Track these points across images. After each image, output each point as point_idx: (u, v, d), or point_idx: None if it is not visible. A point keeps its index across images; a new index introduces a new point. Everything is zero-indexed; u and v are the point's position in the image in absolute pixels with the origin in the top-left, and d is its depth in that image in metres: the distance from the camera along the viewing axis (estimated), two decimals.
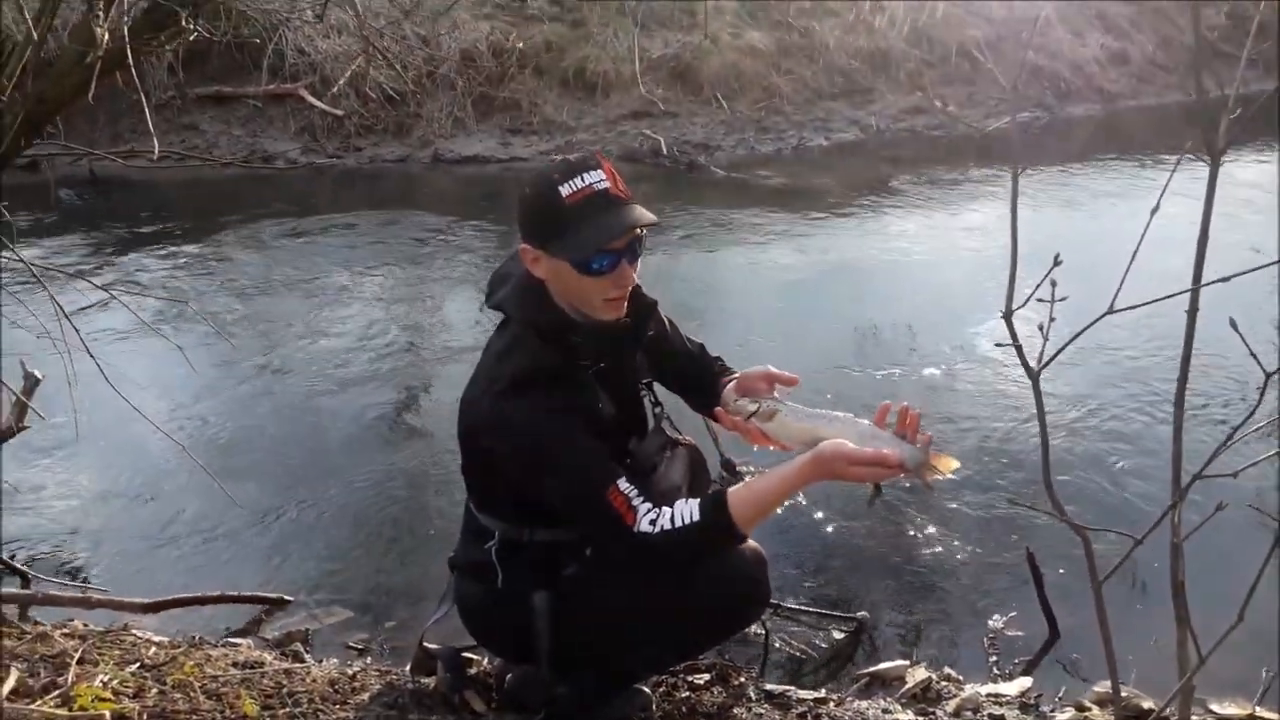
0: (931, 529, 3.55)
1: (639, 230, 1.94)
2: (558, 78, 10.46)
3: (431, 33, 9.91)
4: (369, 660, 2.85)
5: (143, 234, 7.34)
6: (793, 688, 2.59)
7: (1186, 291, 1.30)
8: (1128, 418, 4.36)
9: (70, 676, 2.26)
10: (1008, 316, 1.34)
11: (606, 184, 1.90)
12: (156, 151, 3.51)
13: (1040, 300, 1.26)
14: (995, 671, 2.84)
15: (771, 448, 2.09)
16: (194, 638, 2.85)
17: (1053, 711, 2.52)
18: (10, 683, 2.18)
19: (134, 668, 2.42)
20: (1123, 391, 4.60)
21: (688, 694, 2.46)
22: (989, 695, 2.57)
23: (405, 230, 7.55)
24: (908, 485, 3.74)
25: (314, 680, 2.49)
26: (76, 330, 3.20)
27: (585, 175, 1.89)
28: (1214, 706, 2.46)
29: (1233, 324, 1.34)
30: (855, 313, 5.68)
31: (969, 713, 2.49)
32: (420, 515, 3.73)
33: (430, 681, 2.41)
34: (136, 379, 4.26)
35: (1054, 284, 1.28)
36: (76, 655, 2.41)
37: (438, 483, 3.91)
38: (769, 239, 7.26)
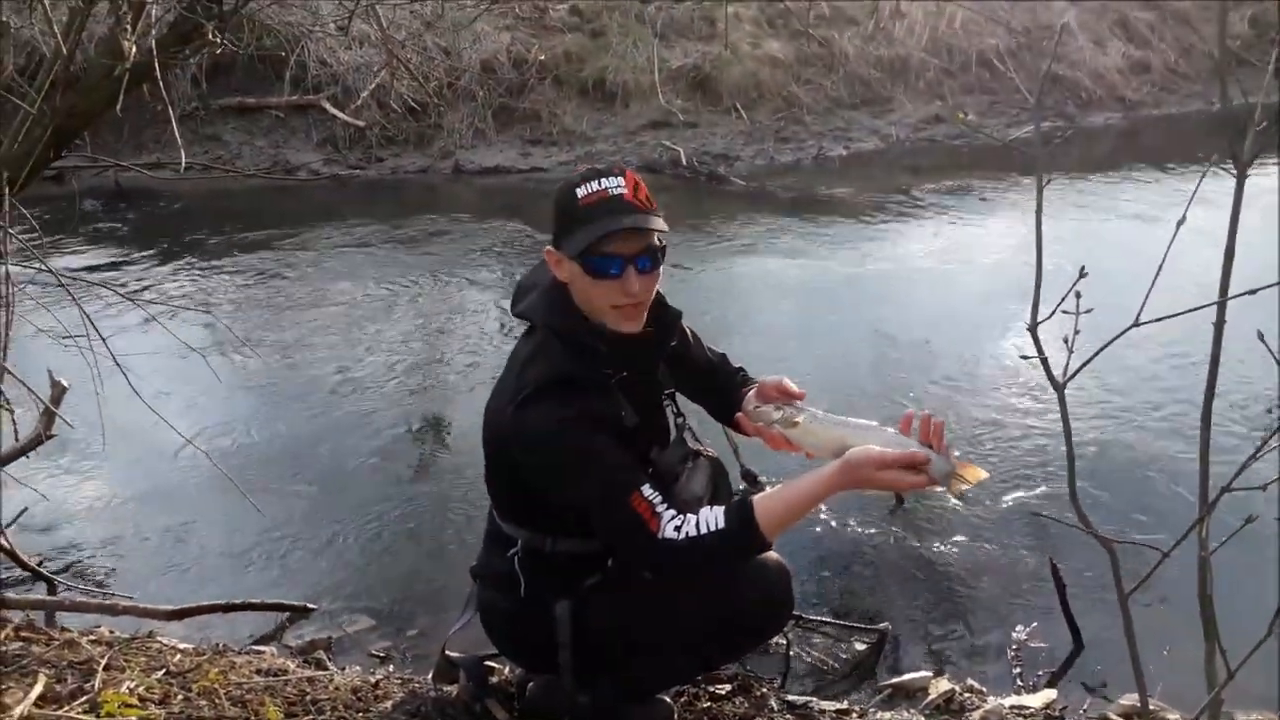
0: (954, 540, 3.54)
1: (656, 240, 1.95)
2: (577, 88, 10.50)
3: (453, 44, 9.97)
4: (391, 668, 2.85)
5: (167, 244, 7.40)
6: (815, 699, 2.58)
7: (1213, 304, 1.30)
8: (1153, 430, 4.33)
9: (97, 683, 2.27)
10: (1033, 329, 1.34)
11: (622, 190, 1.92)
12: (183, 163, 3.53)
13: (1065, 313, 1.26)
14: (1019, 683, 2.82)
15: (794, 453, 2.07)
16: (219, 645, 2.87)
17: None
18: (38, 689, 2.20)
19: (160, 674, 2.44)
20: (1148, 403, 4.57)
21: (709, 704, 2.46)
22: (1013, 707, 2.56)
23: (426, 240, 7.59)
24: (929, 496, 3.73)
25: (337, 688, 2.50)
26: (103, 339, 3.22)
27: (604, 180, 1.93)
28: (1241, 718, 2.44)
29: (1260, 337, 1.33)
30: (876, 323, 5.67)
31: None
32: (442, 524, 3.75)
33: (453, 690, 2.42)
34: (161, 388, 4.29)
35: (1079, 296, 1.28)
36: (103, 662, 2.42)
37: (460, 491, 3.92)
38: (789, 249, 7.25)
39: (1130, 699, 2.56)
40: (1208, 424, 1.36)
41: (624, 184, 1.93)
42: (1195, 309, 1.34)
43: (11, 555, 3.18)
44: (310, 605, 3.23)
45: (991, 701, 2.60)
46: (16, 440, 3.23)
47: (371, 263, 7.03)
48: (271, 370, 5.13)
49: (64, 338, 3.47)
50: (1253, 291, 1.29)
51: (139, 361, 4.67)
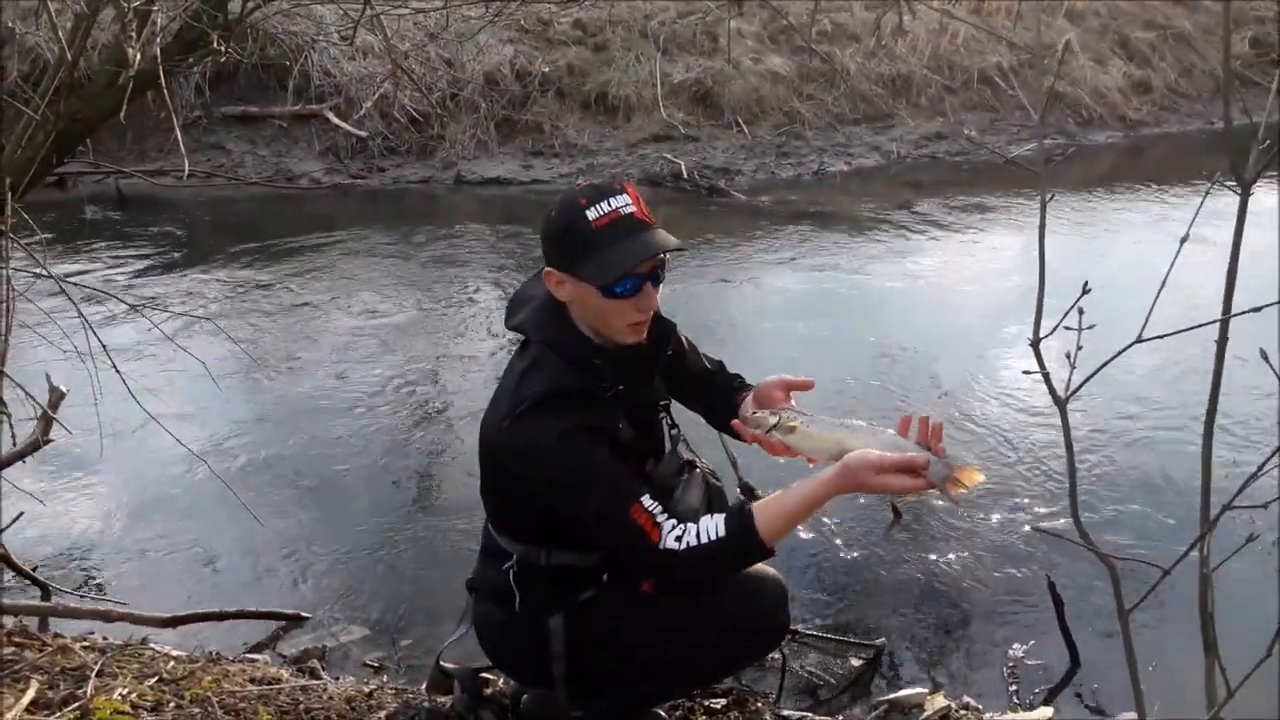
0: (952, 555, 3.53)
1: (663, 254, 1.95)
2: (579, 101, 10.53)
3: (456, 56, 10.00)
4: (385, 678, 2.84)
5: (168, 251, 7.41)
6: (810, 714, 2.57)
7: (1216, 322, 1.30)
8: (1155, 446, 4.32)
9: (89, 689, 2.27)
10: (1035, 344, 1.34)
11: (632, 208, 1.91)
12: (186, 170, 3.54)
13: (1068, 328, 1.25)
14: (1015, 700, 2.81)
15: (793, 458, 2.06)
16: (212, 653, 2.86)
17: None
18: (30, 694, 2.20)
19: (153, 681, 2.43)
20: (1150, 420, 4.57)
21: (704, 719, 2.45)
22: None
23: (427, 251, 7.60)
24: (929, 507, 3.73)
25: (331, 697, 2.49)
26: (103, 345, 3.22)
27: (611, 199, 1.90)
28: None
29: (1263, 355, 1.33)
30: (878, 338, 5.67)
31: None
32: (439, 534, 3.74)
33: (447, 701, 2.41)
34: (161, 395, 4.29)
35: (1081, 312, 1.28)
36: (96, 668, 2.42)
37: (456, 502, 3.91)
38: (789, 264, 7.26)
39: (1128, 717, 2.55)
40: (1209, 441, 1.35)
41: (630, 201, 1.92)
42: (1198, 326, 1.34)
43: (6, 560, 3.17)
44: (304, 614, 3.22)
45: (988, 718, 2.59)
46: (14, 445, 3.22)
47: (372, 273, 7.03)
48: (270, 379, 5.12)
49: (64, 344, 3.46)
50: (1257, 309, 1.28)
51: (138, 368, 4.69)
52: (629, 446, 2.00)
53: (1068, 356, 1.27)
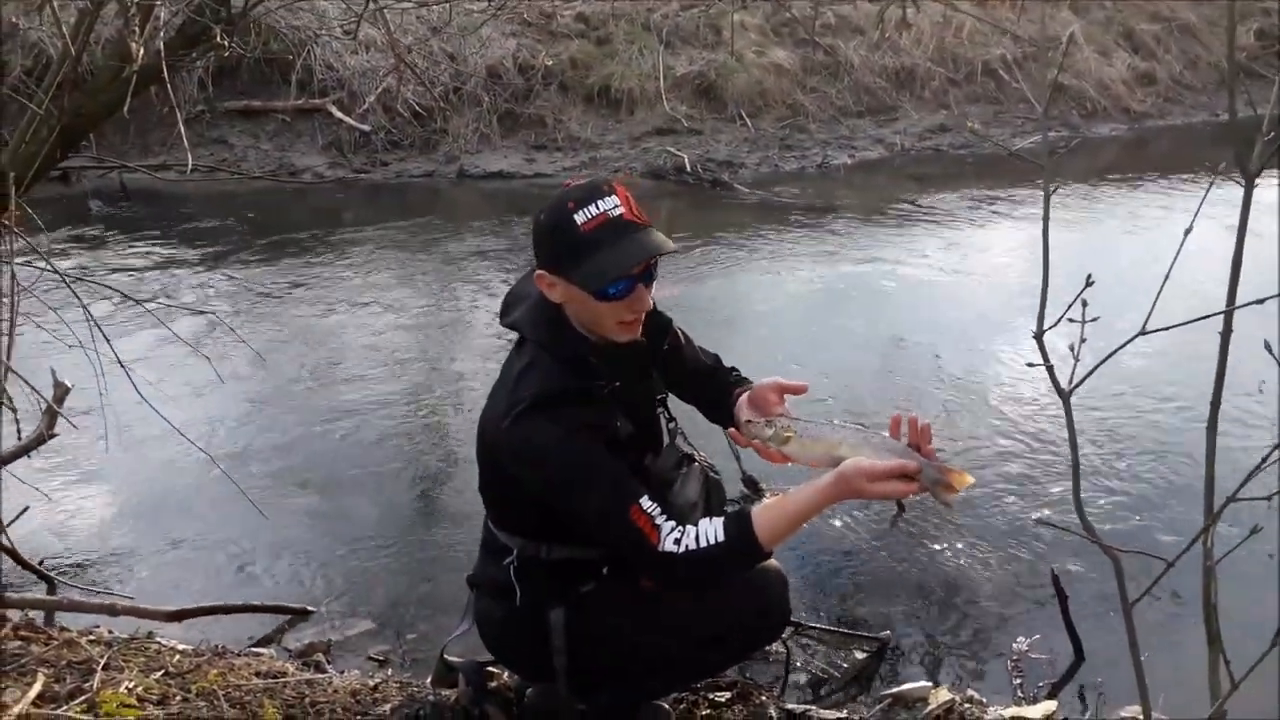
0: (956, 549, 3.53)
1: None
2: (582, 94, 10.52)
3: (459, 50, 9.99)
4: (390, 672, 2.85)
5: (172, 246, 7.42)
6: (814, 707, 2.57)
7: (1220, 314, 1.29)
8: (1159, 439, 4.32)
9: (96, 682, 2.28)
10: (1039, 337, 1.34)
11: (621, 210, 1.90)
12: (190, 165, 3.54)
13: (1071, 321, 1.25)
14: (1019, 694, 2.81)
15: (789, 465, 2.08)
16: (217, 646, 2.87)
17: None
18: (36, 688, 2.21)
19: (158, 675, 2.44)
20: (1154, 413, 4.57)
21: (708, 712, 2.46)
22: (1013, 718, 2.55)
23: (430, 245, 7.60)
24: (932, 503, 3.73)
25: (336, 691, 2.50)
26: (107, 340, 3.23)
27: (600, 202, 1.89)
28: None
29: (1267, 347, 1.33)
30: (881, 331, 5.67)
31: None
32: (442, 528, 3.75)
33: (451, 694, 2.42)
34: (165, 389, 4.30)
35: (1085, 304, 1.27)
36: (102, 662, 2.43)
37: (461, 497, 3.92)
38: (793, 257, 7.25)
39: (1132, 710, 2.55)
40: (1213, 433, 1.35)
41: (619, 202, 1.90)
42: (1202, 318, 1.33)
43: (12, 554, 3.19)
44: (309, 608, 3.23)
45: (991, 712, 2.59)
46: (19, 439, 3.23)
47: (375, 267, 7.04)
48: (274, 373, 5.13)
49: (68, 338, 3.46)
50: (1260, 301, 1.28)
51: (142, 363, 4.69)
52: (627, 442, 2.00)
53: (1071, 349, 1.27)
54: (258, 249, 7.37)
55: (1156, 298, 1.31)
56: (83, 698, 2.20)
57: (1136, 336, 1.32)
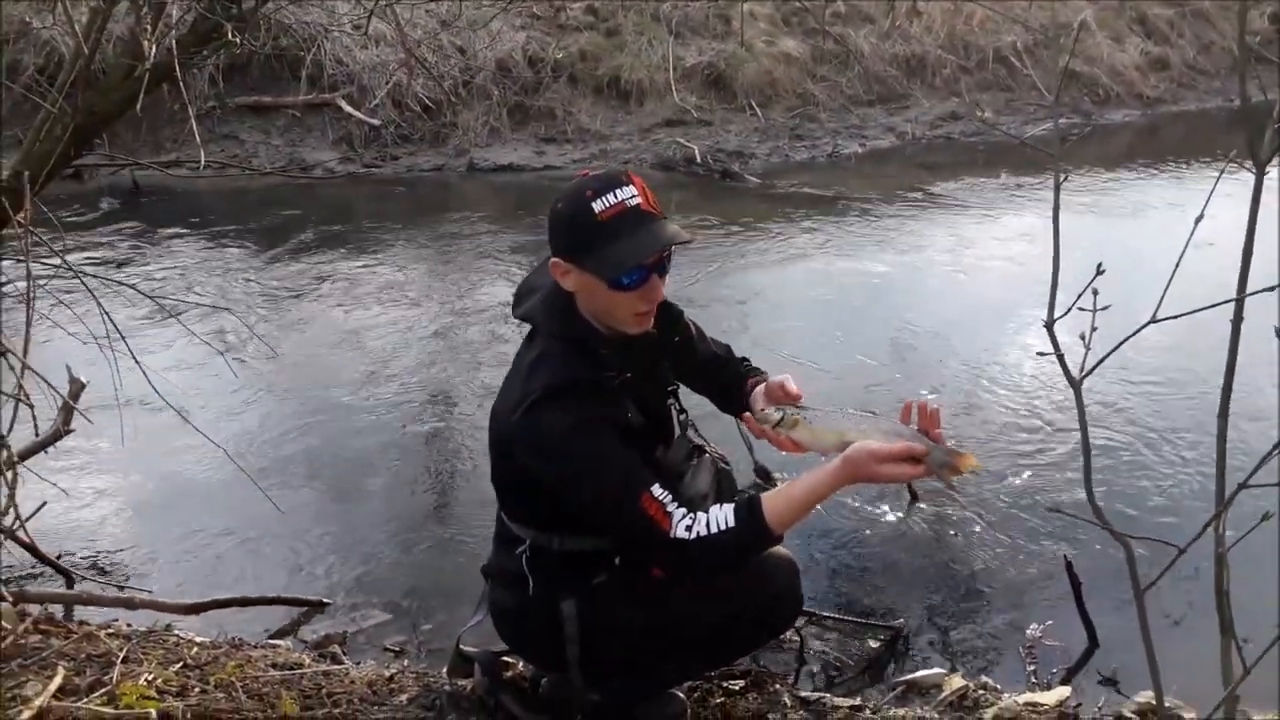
0: (969, 536, 3.53)
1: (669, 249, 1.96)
2: (592, 86, 10.51)
3: (469, 43, 9.99)
4: (406, 662, 2.87)
5: (184, 242, 7.45)
6: (828, 695, 2.58)
7: (1231, 301, 1.29)
8: (1170, 426, 4.31)
9: (115, 675, 2.30)
10: (1050, 326, 1.34)
11: (639, 200, 1.91)
12: (202, 162, 3.55)
13: (1082, 309, 1.26)
14: (1033, 680, 2.81)
15: (802, 453, 2.09)
16: (235, 639, 2.89)
17: None
18: (57, 681, 2.23)
19: (177, 667, 2.47)
20: (1165, 400, 4.55)
21: (722, 699, 2.46)
22: (1027, 704, 2.55)
23: (441, 238, 7.61)
24: (946, 491, 3.73)
25: (353, 682, 2.52)
26: (122, 336, 3.25)
27: (618, 191, 1.90)
28: (1258, 717, 2.42)
29: (1278, 333, 1.33)
30: (892, 320, 5.66)
31: None
32: (456, 519, 3.77)
33: (467, 684, 2.43)
34: (179, 385, 4.32)
35: (1095, 293, 1.28)
36: (121, 654, 2.45)
37: (473, 486, 3.94)
38: (804, 247, 7.24)
39: (1145, 696, 2.55)
40: (1225, 420, 1.35)
41: (637, 192, 1.92)
42: (1212, 305, 1.33)
43: (31, 549, 3.21)
44: (325, 600, 3.26)
45: (1005, 699, 2.59)
46: (36, 435, 3.26)
47: (386, 260, 7.05)
48: (288, 368, 5.15)
49: (83, 335, 3.49)
50: (1272, 288, 1.28)
51: (157, 359, 4.72)
52: (639, 433, 2.01)
53: (1082, 338, 1.27)
54: (270, 244, 7.40)
55: (1167, 286, 1.31)
56: (103, 690, 2.22)
57: (1147, 325, 1.32)
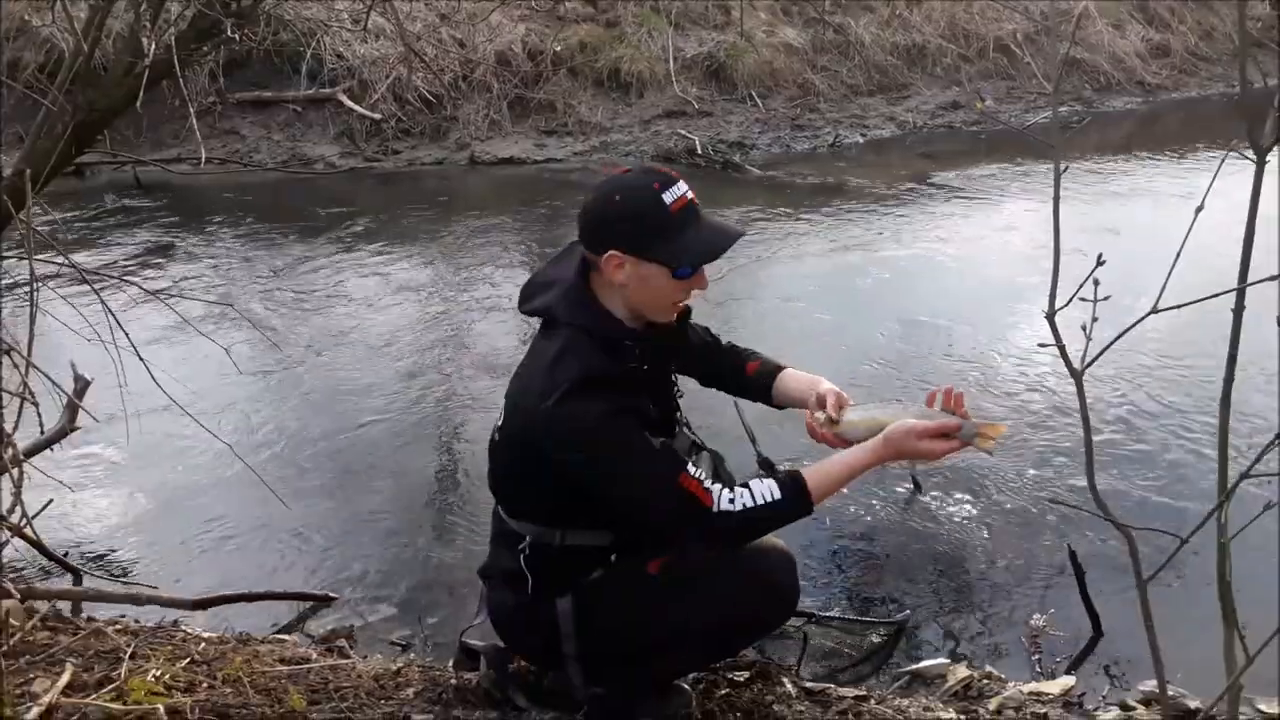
0: (972, 527, 3.54)
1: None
2: (592, 78, 10.49)
3: (468, 36, 9.97)
4: (412, 656, 2.88)
5: (186, 238, 7.45)
6: (832, 685, 2.59)
7: (1232, 291, 1.29)
8: (1173, 416, 4.31)
9: (123, 671, 2.31)
10: (1051, 317, 1.34)
11: (692, 195, 2.01)
12: (203, 158, 3.56)
13: (1083, 300, 1.26)
14: (1038, 670, 2.82)
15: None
16: (242, 634, 2.91)
17: (1096, 711, 2.50)
18: (66, 677, 2.24)
19: (185, 663, 2.48)
20: (1167, 390, 4.55)
21: (727, 691, 2.47)
22: (1031, 694, 2.56)
23: (443, 233, 7.61)
24: (949, 479, 3.74)
25: (359, 676, 2.53)
26: (125, 333, 3.25)
27: (677, 186, 1.99)
28: (1262, 706, 2.43)
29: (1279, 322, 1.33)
30: (894, 311, 5.66)
31: (1011, 711, 2.47)
32: (462, 514, 3.77)
33: (473, 677, 2.44)
34: (183, 381, 4.33)
35: (1096, 283, 1.28)
36: (129, 650, 2.46)
37: (479, 482, 3.92)
38: (805, 237, 7.24)
39: (1149, 686, 2.56)
40: (1226, 410, 1.36)
41: (689, 188, 2.02)
42: (1214, 295, 1.33)
43: (38, 546, 3.22)
44: (332, 595, 3.27)
45: (1010, 688, 2.60)
46: (41, 433, 3.27)
47: (389, 255, 7.05)
48: (293, 363, 5.16)
49: (86, 332, 3.49)
50: (1274, 277, 1.28)
51: (161, 355, 4.73)
52: (654, 425, 2.04)
53: (1083, 329, 1.27)
54: (271, 239, 7.40)
55: (1168, 276, 1.31)
56: (111, 686, 2.23)
57: (1148, 315, 1.33)
